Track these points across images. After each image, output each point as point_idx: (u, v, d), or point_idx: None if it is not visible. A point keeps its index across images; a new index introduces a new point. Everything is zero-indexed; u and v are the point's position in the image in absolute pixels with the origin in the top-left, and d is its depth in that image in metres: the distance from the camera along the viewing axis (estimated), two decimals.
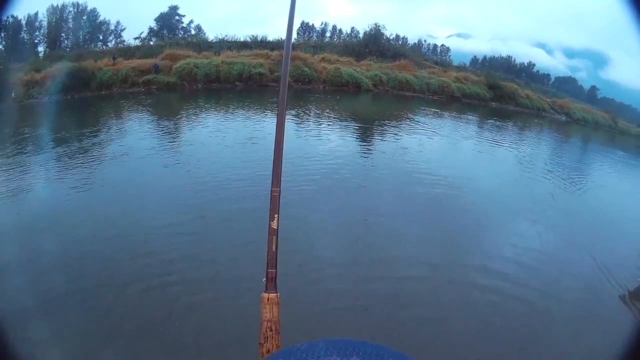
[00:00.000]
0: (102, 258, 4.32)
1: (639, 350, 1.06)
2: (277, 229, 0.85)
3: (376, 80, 14.97)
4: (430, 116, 14.18)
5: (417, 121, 13.15)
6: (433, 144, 10.99)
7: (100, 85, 16.07)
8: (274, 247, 0.84)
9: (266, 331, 0.79)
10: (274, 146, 0.93)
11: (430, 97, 15.50)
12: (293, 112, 12.47)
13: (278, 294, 0.81)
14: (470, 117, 15.56)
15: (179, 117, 12.15)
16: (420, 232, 5.55)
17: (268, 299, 0.80)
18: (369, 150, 9.71)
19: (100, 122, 11.88)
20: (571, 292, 4.72)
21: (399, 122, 12.70)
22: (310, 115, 12.59)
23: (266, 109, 12.52)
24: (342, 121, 12.06)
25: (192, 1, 17.51)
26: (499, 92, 16.68)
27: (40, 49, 18.78)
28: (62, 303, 3.60)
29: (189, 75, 15.48)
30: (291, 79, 15.17)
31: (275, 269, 0.83)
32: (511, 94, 16.88)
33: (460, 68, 17.30)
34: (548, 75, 19.23)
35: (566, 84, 19.38)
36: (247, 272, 3.71)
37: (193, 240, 4.76)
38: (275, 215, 0.86)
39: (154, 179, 6.80)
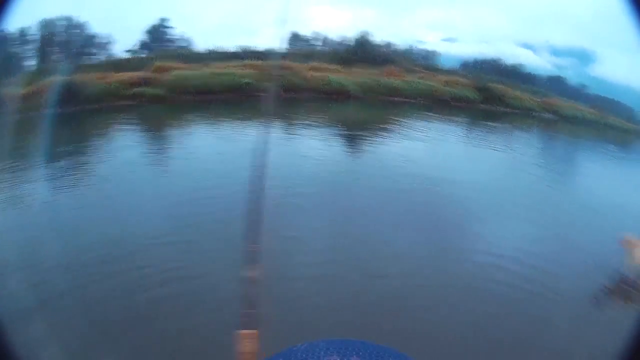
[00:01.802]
0: None
1: (638, 350, 1.05)
2: (255, 276, 0.89)
3: (365, 87, 14.86)
4: (419, 121, 14.13)
5: (407, 126, 13.10)
6: (423, 147, 10.96)
7: (90, 98, 15.95)
8: (251, 288, 0.87)
9: None
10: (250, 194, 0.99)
11: (420, 101, 15.40)
12: (281, 122, 12.39)
13: (256, 330, 0.83)
14: (459, 120, 15.51)
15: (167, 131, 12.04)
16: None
17: (246, 335, 0.82)
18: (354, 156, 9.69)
19: (81, 139, 11.79)
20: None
21: (388, 128, 12.65)
22: (298, 124, 12.46)
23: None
24: (331, 129, 11.98)
25: (183, 13, 17.36)
26: (488, 94, 16.60)
27: (32, 63, 18.63)
28: None
29: (178, 88, 15.33)
30: (280, 89, 15.02)
31: (254, 307, 0.85)
32: (500, 96, 16.80)
33: (450, 72, 17.21)
34: (536, 75, 19.14)
35: (554, 83, 19.30)
36: None
37: None
38: (255, 266, 0.90)
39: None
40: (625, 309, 4.78)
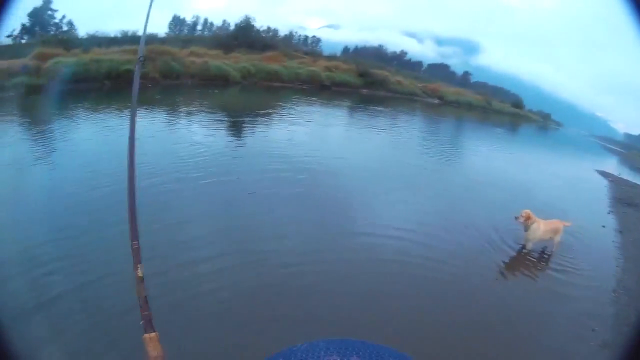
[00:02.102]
0: None
1: (639, 350, 1.07)
2: (143, 277, 0.93)
3: (244, 72, 15.53)
4: (299, 105, 14.90)
5: (287, 111, 13.74)
6: (303, 131, 11.15)
7: None
8: (143, 293, 0.91)
9: None
10: (127, 199, 0.99)
11: (300, 86, 16.34)
12: (160, 110, 12.70)
13: (156, 332, 0.88)
14: (341, 103, 16.55)
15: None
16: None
17: (150, 338, 0.87)
18: (237, 143, 9.46)
19: None
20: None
21: (268, 113, 13.07)
22: (177, 112, 12.68)
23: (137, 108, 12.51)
24: (211, 116, 12.16)
25: None
26: (369, 80, 17.92)
27: None
28: None
29: (57, 76, 15.11)
30: (159, 75, 15.32)
31: (149, 311, 0.90)
32: (382, 81, 18.18)
33: (331, 58, 18.33)
34: (420, 62, 20.91)
35: (438, 70, 21.20)
36: None
37: None
38: (139, 266, 0.94)
39: None
40: (524, 282, 4.91)
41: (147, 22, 1.61)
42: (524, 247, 5.62)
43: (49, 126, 11.22)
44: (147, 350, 0.86)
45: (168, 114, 12.47)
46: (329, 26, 18.94)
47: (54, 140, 9.31)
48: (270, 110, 13.64)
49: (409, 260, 4.75)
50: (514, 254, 5.55)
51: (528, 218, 5.38)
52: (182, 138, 9.33)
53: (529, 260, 5.47)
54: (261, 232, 4.93)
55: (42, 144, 8.51)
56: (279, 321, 3.33)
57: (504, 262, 5.29)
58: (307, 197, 6.18)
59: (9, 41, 17.10)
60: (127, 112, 12.38)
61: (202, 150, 7.99)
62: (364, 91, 17.76)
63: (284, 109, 14.42)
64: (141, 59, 1.52)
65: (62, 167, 6.79)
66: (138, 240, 0.97)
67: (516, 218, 5.48)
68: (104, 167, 6.11)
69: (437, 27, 21.60)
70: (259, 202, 5.76)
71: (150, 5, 1.64)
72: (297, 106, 14.97)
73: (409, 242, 5.18)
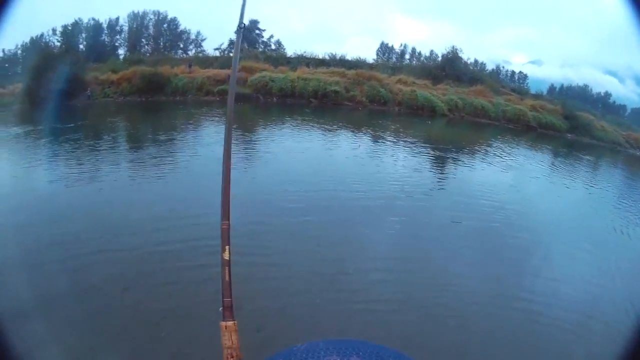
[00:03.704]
0: None
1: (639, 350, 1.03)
2: (230, 260, 0.86)
3: (452, 105, 14.49)
4: (507, 147, 13.51)
5: (495, 151, 12.56)
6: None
7: (174, 91, 16.49)
8: (227, 277, 0.85)
9: (227, 358, 0.81)
10: (222, 177, 0.92)
11: (506, 125, 14.83)
12: (370, 133, 12.28)
13: (235, 321, 0.82)
14: (546, 147, 14.74)
15: (253, 129, 12.08)
16: None
17: (226, 327, 0.82)
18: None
19: (170, 127, 12.01)
20: None
21: (476, 151, 12.13)
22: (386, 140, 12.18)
23: (342, 128, 12.33)
24: (417, 145, 11.59)
25: (274, 16, 17.61)
26: (574, 123, 15.77)
27: (121, 51, 19.54)
28: None
29: (263, 88, 15.55)
30: (366, 99, 14.94)
31: (231, 297, 0.84)
32: (587, 125, 15.93)
33: (537, 96, 16.48)
34: (624, 106, 18.05)
35: None
36: None
37: None
38: (227, 247, 0.87)
39: None
40: None
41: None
42: None
43: (259, 133, 11.63)
44: (221, 340, 0.80)
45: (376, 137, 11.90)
46: (532, 62, 17.28)
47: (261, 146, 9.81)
48: (478, 148, 12.43)
49: None
50: None
51: None
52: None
53: None
54: None
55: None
56: None
57: None
58: None
59: (216, 53, 18.31)
60: (334, 133, 12.25)
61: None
62: (569, 136, 15.67)
63: (492, 148, 13.06)
64: (242, 25, 1.22)
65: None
66: (229, 221, 0.90)
67: None
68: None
69: (638, 64, 18.56)
70: None
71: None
72: (504, 146, 13.46)
73: None
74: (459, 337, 3.68)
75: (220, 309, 0.84)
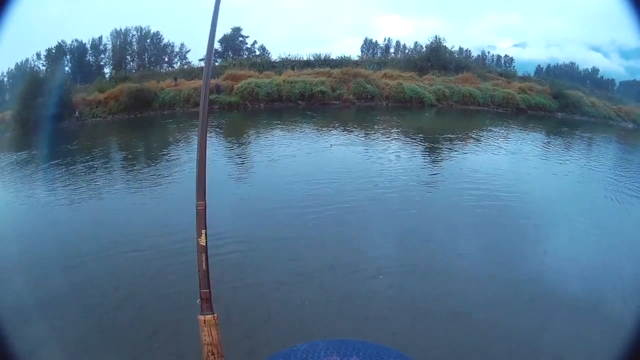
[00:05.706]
0: None
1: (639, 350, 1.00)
2: (206, 246, 0.76)
3: (439, 95, 14.33)
4: (500, 131, 13.29)
5: (490, 137, 12.32)
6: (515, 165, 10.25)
7: (162, 105, 16.35)
8: (204, 266, 0.75)
9: (208, 356, 0.73)
10: (196, 156, 0.85)
11: (495, 109, 14.67)
12: (360, 131, 12.08)
13: (215, 314, 0.74)
14: (537, 128, 14.51)
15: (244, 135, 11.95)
16: None
17: (205, 320, 0.73)
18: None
19: (163, 140, 11.92)
20: None
21: (470, 139, 11.90)
22: (380, 135, 12.00)
23: (332, 126, 12.18)
24: (409, 139, 11.39)
25: (256, 23, 17.47)
26: (564, 101, 15.59)
27: (106, 70, 19.39)
28: None
29: (250, 95, 15.40)
30: (353, 97, 14.79)
31: (209, 288, 0.75)
32: (576, 102, 15.74)
33: (524, 78, 16.30)
34: (613, 80, 17.83)
35: (631, 89, 17.91)
36: None
37: None
38: (203, 231, 0.77)
39: None
40: None
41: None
42: None
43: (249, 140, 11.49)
44: (200, 335, 0.71)
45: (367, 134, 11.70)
46: (518, 44, 17.08)
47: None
48: (472, 135, 12.18)
49: None
50: None
51: None
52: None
53: None
54: None
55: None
56: None
57: None
58: None
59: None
60: (328, 133, 12.08)
61: None
62: (559, 115, 15.48)
63: (485, 134, 12.80)
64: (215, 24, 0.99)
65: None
66: (205, 201, 0.78)
67: None
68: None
69: (620, 37, 18.27)
70: None
71: None
72: (497, 130, 13.17)
73: None
74: None
75: (198, 301, 0.76)
